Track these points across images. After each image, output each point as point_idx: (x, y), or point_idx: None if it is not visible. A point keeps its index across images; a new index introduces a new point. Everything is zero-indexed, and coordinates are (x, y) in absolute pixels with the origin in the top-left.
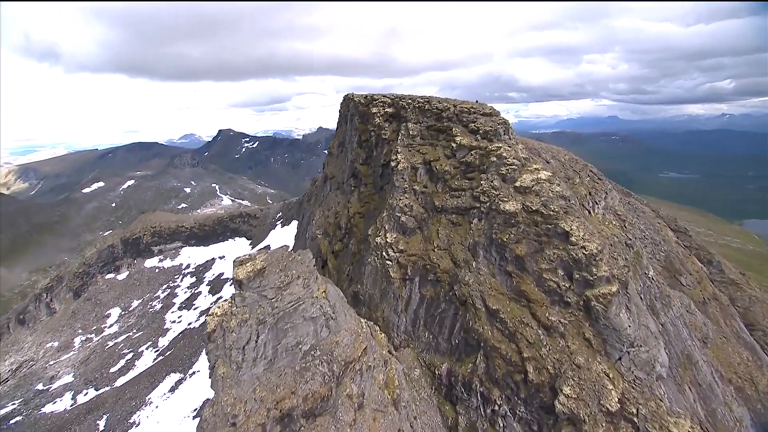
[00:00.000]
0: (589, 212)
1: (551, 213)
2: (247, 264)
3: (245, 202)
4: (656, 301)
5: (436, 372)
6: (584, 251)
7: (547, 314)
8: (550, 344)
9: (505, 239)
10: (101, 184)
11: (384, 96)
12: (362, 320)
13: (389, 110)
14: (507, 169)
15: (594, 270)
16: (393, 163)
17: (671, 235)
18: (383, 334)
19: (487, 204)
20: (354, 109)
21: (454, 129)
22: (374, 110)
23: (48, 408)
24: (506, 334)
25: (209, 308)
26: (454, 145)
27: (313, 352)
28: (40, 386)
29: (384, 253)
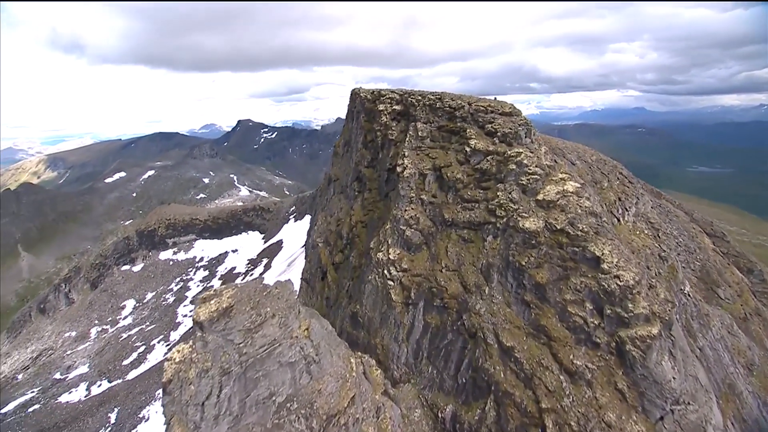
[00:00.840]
0: (618, 220)
1: (579, 233)
2: (211, 302)
3: (263, 193)
4: (693, 320)
5: (440, 415)
6: (618, 282)
7: (571, 356)
8: (574, 394)
9: (523, 263)
10: (123, 174)
11: (392, 91)
12: (353, 360)
13: (397, 107)
14: (528, 179)
15: (630, 305)
16: (399, 168)
17: (708, 242)
18: (379, 371)
19: (504, 219)
20: (360, 105)
21: (468, 130)
22: (381, 107)
23: (64, 398)
24: (522, 377)
25: None
26: (467, 149)
27: (289, 405)
28: (57, 375)
29: (385, 272)
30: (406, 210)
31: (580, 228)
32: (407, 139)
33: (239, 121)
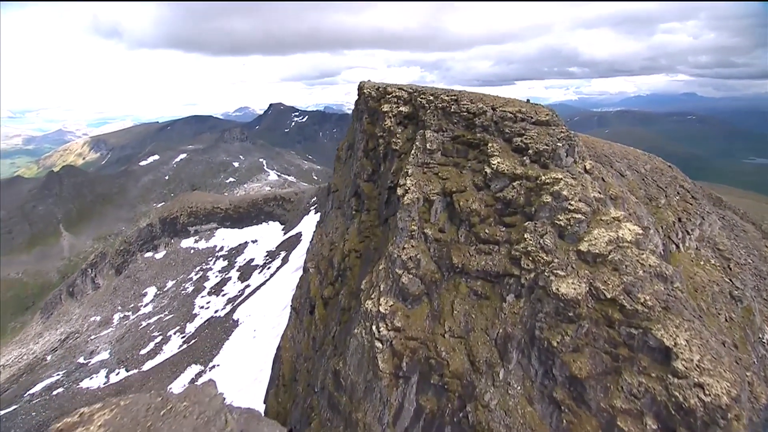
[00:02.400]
0: (678, 247)
1: (639, 308)
2: None
3: (291, 178)
4: None
5: None
6: (702, 395)
7: None
8: None
9: (555, 342)
10: (156, 157)
11: (400, 88)
12: None
13: (404, 109)
14: (567, 219)
15: None
16: (399, 191)
17: None
18: None
19: (532, 274)
20: (364, 103)
21: (490, 144)
22: (385, 108)
23: (85, 383)
24: None
25: (236, 296)
26: (488, 169)
27: None
28: (81, 359)
29: (374, 328)
30: (404, 248)
31: (641, 300)
32: (413, 151)
33: (271, 105)
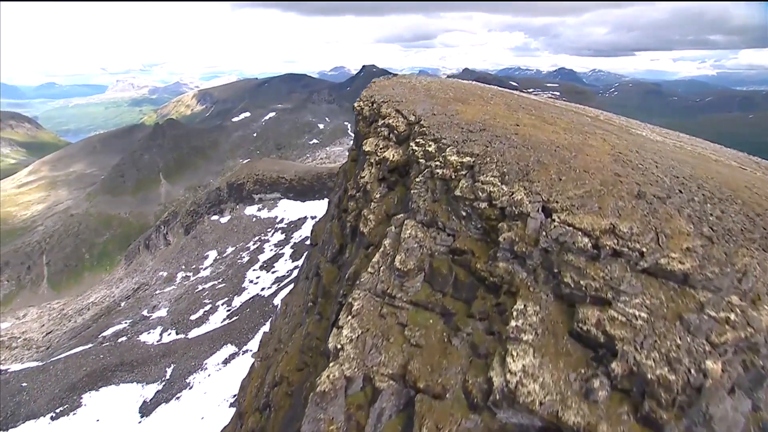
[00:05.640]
0: None
1: None
2: None
3: None
4: None
5: None
6: None
7: None
8: None
9: None
10: (248, 114)
11: (398, 111)
12: None
13: (391, 155)
14: None
15: None
16: (331, 342)
17: None
18: None
19: None
20: (355, 125)
21: (521, 305)
22: (368, 146)
23: (143, 337)
24: None
25: (283, 276)
26: (496, 376)
27: None
28: (145, 312)
29: None
30: None
31: None
32: (374, 260)
33: (363, 66)
